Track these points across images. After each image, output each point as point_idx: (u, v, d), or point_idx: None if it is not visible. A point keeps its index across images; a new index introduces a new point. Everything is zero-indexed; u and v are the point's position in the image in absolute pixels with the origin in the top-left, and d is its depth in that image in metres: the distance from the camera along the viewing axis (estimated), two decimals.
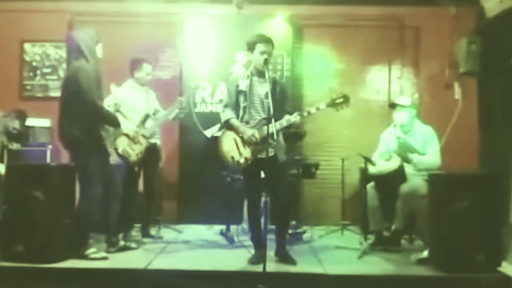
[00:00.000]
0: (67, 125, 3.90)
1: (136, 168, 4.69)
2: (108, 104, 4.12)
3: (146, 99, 4.82)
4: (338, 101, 3.75)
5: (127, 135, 4.53)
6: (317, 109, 3.75)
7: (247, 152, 3.80)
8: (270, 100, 3.60)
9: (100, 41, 4.00)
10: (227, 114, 3.89)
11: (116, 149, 4.50)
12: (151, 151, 4.71)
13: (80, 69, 3.82)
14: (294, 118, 3.72)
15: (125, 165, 4.62)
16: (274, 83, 3.84)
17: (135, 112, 4.68)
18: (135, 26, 5.70)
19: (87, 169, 3.88)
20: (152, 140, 4.73)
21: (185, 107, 4.87)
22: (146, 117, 4.69)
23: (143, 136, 4.60)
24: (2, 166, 4.58)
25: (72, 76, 3.87)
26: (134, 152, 4.54)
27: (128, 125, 4.59)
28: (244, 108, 3.84)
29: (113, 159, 4.32)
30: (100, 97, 3.90)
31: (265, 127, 3.51)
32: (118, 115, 4.61)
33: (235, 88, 3.87)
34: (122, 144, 4.52)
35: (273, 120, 3.54)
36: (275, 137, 3.61)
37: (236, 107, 3.88)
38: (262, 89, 3.79)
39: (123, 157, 4.52)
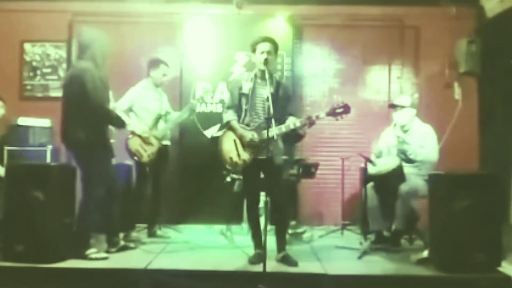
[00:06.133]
0: (71, 126, 3.87)
1: (147, 169, 4.69)
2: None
3: (159, 100, 4.82)
4: (339, 110, 3.75)
5: (140, 136, 4.54)
6: (317, 117, 3.73)
7: (245, 154, 3.80)
8: (270, 102, 3.60)
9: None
10: (229, 116, 3.89)
11: (128, 150, 4.50)
12: (162, 153, 4.71)
13: (85, 70, 3.79)
14: (300, 123, 3.70)
15: (136, 166, 4.62)
16: (277, 85, 3.83)
17: (148, 112, 4.70)
18: (135, 26, 5.69)
19: (91, 170, 3.87)
20: (163, 142, 4.74)
21: (196, 109, 4.90)
22: (159, 118, 4.70)
23: (155, 137, 4.60)
24: (1, 169, 4.57)
25: (77, 76, 3.83)
26: (146, 153, 4.55)
27: (140, 126, 4.60)
28: (246, 110, 3.84)
29: (116, 159, 4.32)
30: (106, 99, 3.87)
31: (265, 130, 3.51)
32: (132, 115, 4.64)
33: (238, 90, 3.86)
34: (135, 144, 4.53)
35: (273, 122, 3.54)
36: (275, 138, 3.62)
37: (238, 109, 3.88)
38: (265, 91, 3.76)
39: (135, 157, 4.52)
